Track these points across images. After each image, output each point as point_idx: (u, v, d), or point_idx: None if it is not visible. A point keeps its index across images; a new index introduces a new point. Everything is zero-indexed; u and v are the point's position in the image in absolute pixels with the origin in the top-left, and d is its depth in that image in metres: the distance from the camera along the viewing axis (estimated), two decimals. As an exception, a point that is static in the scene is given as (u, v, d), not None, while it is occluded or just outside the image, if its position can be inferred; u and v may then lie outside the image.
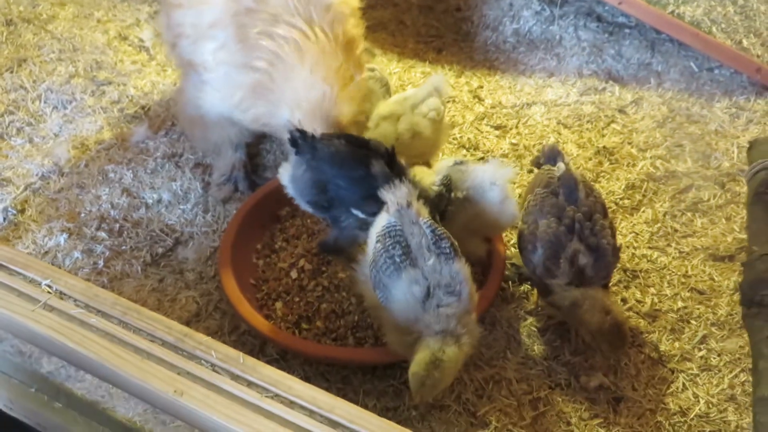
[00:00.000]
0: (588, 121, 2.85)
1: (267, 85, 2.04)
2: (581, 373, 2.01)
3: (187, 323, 2.14)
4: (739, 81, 2.99)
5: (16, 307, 1.45)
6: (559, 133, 2.81)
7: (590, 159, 2.68)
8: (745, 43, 2.99)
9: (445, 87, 2.40)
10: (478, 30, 3.34)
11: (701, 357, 2.06)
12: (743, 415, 1.92)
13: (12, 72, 3.05)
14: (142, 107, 2.91)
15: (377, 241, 1.74)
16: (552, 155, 2.18)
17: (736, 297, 2.18)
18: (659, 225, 2.44)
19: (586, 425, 1.91)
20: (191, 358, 1.39)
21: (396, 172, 1.85)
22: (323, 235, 2.20)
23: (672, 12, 2.97)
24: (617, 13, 3.28)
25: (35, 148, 2.74)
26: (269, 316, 2.09)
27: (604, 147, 2.73)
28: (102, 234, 2.41)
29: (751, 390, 1.93)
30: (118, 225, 2.45)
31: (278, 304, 2.13)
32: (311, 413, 1.31)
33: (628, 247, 2.36)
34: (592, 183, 2.21)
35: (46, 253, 2.35)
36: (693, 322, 2.15)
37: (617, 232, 2.19)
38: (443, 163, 2.07)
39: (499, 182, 1.96)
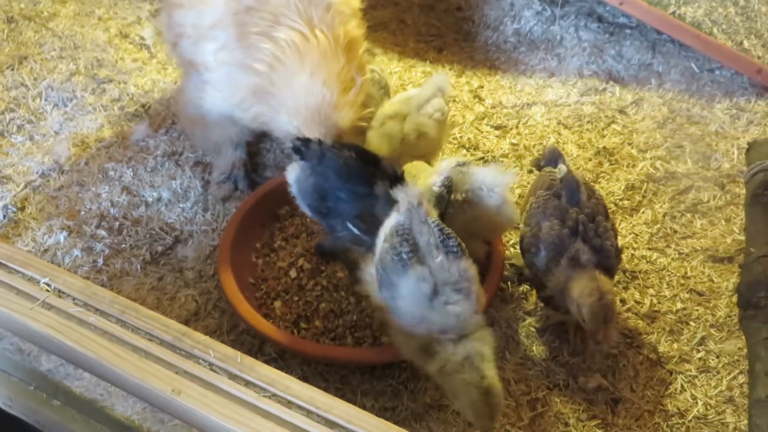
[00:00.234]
0: (588, 122, 2.85)
1: (267, 89, 2.04)
2: (580, 374, 2.02)
3: (186, 322, 2.15)
4: (740, 82, 2.99)
5: (14, 305, 1.45)
6: (560, 134, 2.80)
7: (590, 159, 2.68)
8: (746, 44, 2.99)
9: (448, 87, 2.40)
10: (479, 30, 3.34)
11: (700, 358, 2.06)
12: (741, 417, 1.92)
13: (13, 69, 3.05)
14: (143, 105, 2.91)
15: (384, 241, 1.74)
16: (553, 157, 2.18)
17: (735, 299, 2.18)
18: (659, 226, 2.44)
19: (584, 426, 1.91)
20: (189, 357, 1.39)
21: None
22: (322, 235, 2.20)
23: (673, 13, 2.97)
24: (618, 13, 3.28)
25: (35, 146, 2.74)
26: (268, 316, 2.09)
27: (604, 147, 2.73)
28: (102, 232, 2.41)
29: (748, 392, 1.93)
30: (117, 223, 2.45)
31: (277, 304, 2.13)
32: (309, 413, 1.31)
33: (627, 248, 2.36)
34: (593, 185, 2.21)
35: (46, 250, 2.35)
36: (692, 323, 2.15)
37: (618, 234, 2.19)
38: (445, 163, 2.06)
39: (498, 188, 1.96)
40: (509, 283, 2.26)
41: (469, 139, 2.78)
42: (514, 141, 2.78)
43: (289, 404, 1.32)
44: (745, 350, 2.04)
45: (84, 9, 3.43)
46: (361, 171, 1.81)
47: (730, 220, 2.45)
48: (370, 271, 1.80)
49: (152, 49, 3.21)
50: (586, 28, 3.27)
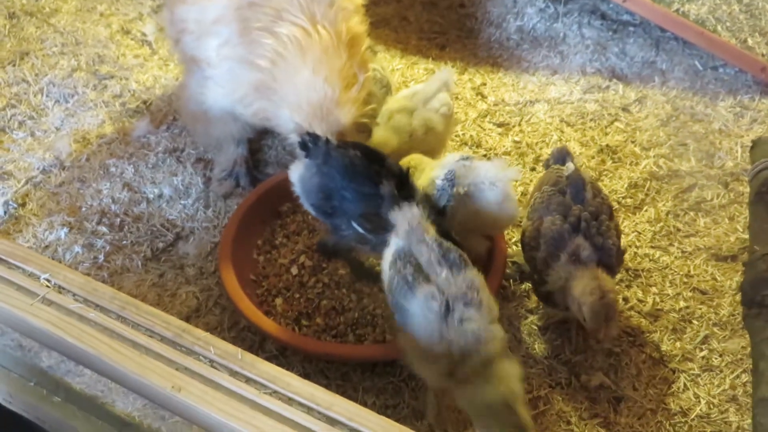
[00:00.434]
0: (591, 120, 2.84)
1: (269, 85, 2.03)
2: (582, 372, 2.01)
3: (187, 318, 2.14)
4: (744, 80, 2.98)
5: (14, 300, 1.44)
6: (562, 131, 2.79)
7: (593, 157, 2.67)
8: (750, 41, 2.98)
9: (453, 81, 2.39)
10: (482, 27, 3.33)
11: (703, 357, 2.05)
12: (744, 416, 1.91)
13: (14, 65, 3.04)
14: (144, 102, 2.91)
15: (389, 269, 1.73)
16: (561, 156, 2.18)
17: (739, 297, 2.16)
18: (662, 224, 2.43)
19: (586, 425, 1.90)
20: (189, 353, 1.38)
21: (406, 194, 1.83)
22: (324, 232, 2.19)
23: (677, 10, 2.95)
24: (622, 10, 3.27)
25: (37, 142, 2.73)
26: (269, 313, 2.09)
27: (607, 145, 2.72)
28: (103, 228, 2.41)
29: (752, 391, 1.92)
30: (118, 219, 2.44)
31: (278, 301, 2.13)
32: (309, 410, 1.30)
33: (630, 246, 2.35)
34: (599, 185, 2.19)
35: (47, 247, 2.35)
36: (695, 322, 2.14)
37: (621, 234, 2.17)
38: (449, 157, 2.06)
39: (500, 183, 1.95)
40: (511, 281, 2.25)
41: (471, 136, 2.77)
42: (516, 138, 2.77)
43: (289, 401, 1.31)
44: (749, 349, 2.03)
45: (85, 5, 3.42)
46: (366, 170, 1.80)
47: (734, 219, 2.44)
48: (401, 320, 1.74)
49: (154, 46, 3.20)
50: (590, 25, 3.26)
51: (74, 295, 1.46)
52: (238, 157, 2.53)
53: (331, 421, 1.29)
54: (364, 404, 1.81)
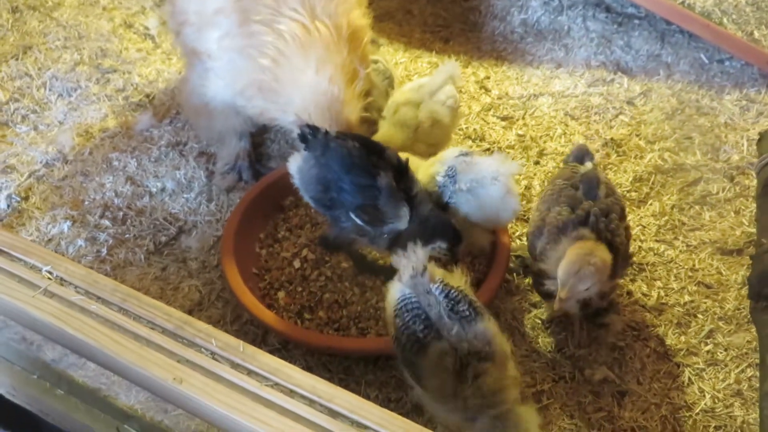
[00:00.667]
0: (596, 113, 2.82)
1: (272, 86, 2.02)
2: (585, 367, 2.00)
3: (190, 312, 2.14)
4: (750, 73, 2.95)
5: (16, 293, 1.44)
6: (567, 125, 2.78)
7: (597, 151, 2.65)
8: (756, 34, 2.95)
9: (459, 74, 2.38)
10: (486, 20, 3.31)
11: (708, 351, 2.04)
12: (750, 410, 1.90)
13: (17, 59, 3.04)
14: (147, 95, 2.90)
15: (396, 316, 1.66)
16: (580, 154, 2.13)
17: (744, 291, 2.15)
18: (667, 218, 2.41)
19: (589, 419, 1.89)
20: (191, 345, 1.37)
21: (404, 185, 1.82)
22: (326, 225, 2.19)
23: (682, 2, 2.93)
24: (626, 3, 3.24)
25: (40, 136, 2.73)
26: (272, 306, 2.08)
27: (611, 139, 2.70)
28: (105, 222, 2.41)
29: (758, 385, 1.91)
30: (121, 213, 2.44)
31: (281, 294, 2.12)
32: (311, 402, 1.29)
33: (635, 240, 2.34)
34: (615, 186, 2.14)
35: (50, 240, 2.35)
36: (700, 316, 2.13)
37: (630, 238, 2.09)
38: (449, 153, 2.05)
39: (502, 178, 1.94)
40: (515, 274, 2.24)
41: (475, 130, 2.75)
42: (520, 132, 2.75)
43: (291, 393, 1.30)
44: (754, 343, 2.01)
45: (88, -1, 3.42)
46: (363, 161, 1.79)
47: (740, 212, 2.42)
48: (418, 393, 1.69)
49: (157, 39, 3.19)
50: (594, 18, 3.23)
51: (75, 287, 1.45)
52: (240, 151, 2.52)
53: (333, 414, 1.28)
54: (367, 397, 1.79)
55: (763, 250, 2.06)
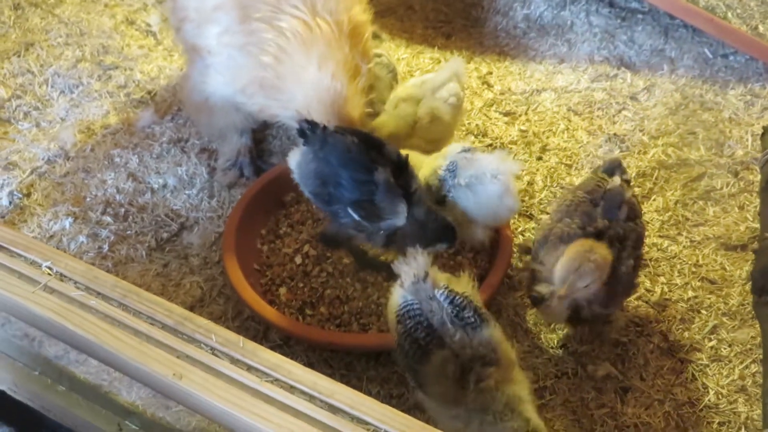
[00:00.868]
0: (599, 108, 2.81)
1: (274, 83, 2.02)
2: (588, 363, 1.99)
3: (191, 308, 2.14)
4: (755, 67, 2.93)
5: (16, 288, 1.43)
6: (569, 120, 2.76)
7: (600, 146, 2.64)
8: (761, 28, 2.93)
9: (464, 71, 2.37)
10: (488, 15, 3.29)
11: (711, 347, 2.03)
12: (753, 406, 1.88)
13: (19, 56, 3.04)
14: (149, 92, 2.90)
15: (398, 322, 1.64)
16: (611, 167, 2.01)
17: (748, 287, 2.14)
18: (670, 213, 2.40)
19: (592, 415, 1.88)
20: (191, 341, 1.37)
21: (403, 182, 1.80)
22: (327, 222, 2.18)
23: (686, -3, 2.91)
24: (630, -2, 3.23)
25: (42, 132, 2.73)
26: (273, 302, 2.08)
27: (615, 134, 2.69)
28: (107, 218, 2.40)
29: (761, 381, 1.90)
30: (123, 209, 2.44)
31: (282, 290, 2.12)
32: (311, 398, 1.29)
33: (638, 235, 2.33)
34: (641, 210, 2.01)
35: (52, 237, 2.35)
36: (703, 311, 2.12)
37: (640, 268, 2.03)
38: (452, 148, 2.04)
39: (502, 176, 1.93)
40: (517, 270, 2.23)
41: (477, 125, 2.74)
42: (523, 128, 2.74)
43: (291, 389, 1.30)
44: (758, 339, 2.00)
45: (90, -5, 3.41)
46: (361, 156, 1.78)
47: (744, 208, 2.40)
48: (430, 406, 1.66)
49: (158, 36, 3.19)
50: (597, 13, 3.22)
51: (76, 282, 1.45)
52: (241, 147, 2.52)
53: (333, 410, 1.27)
54: (369, 394, 1.79)
55: (766, 244, 2.05)
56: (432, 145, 2.20)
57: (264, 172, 2.45)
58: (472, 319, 1.58)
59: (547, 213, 2.21)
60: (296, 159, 1.90)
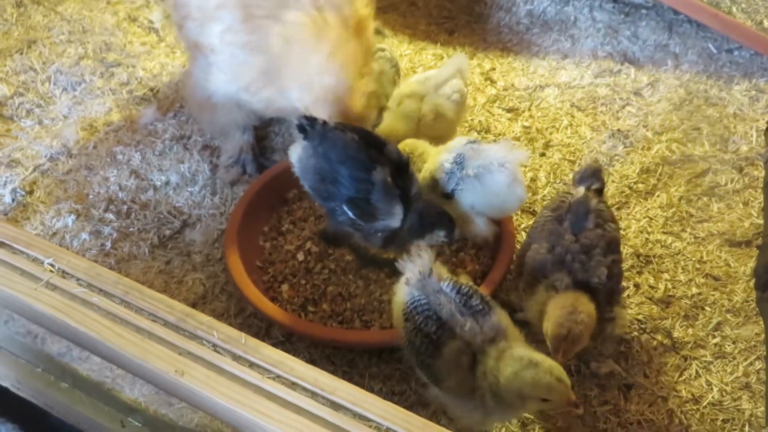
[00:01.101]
0: (602, 104, 2.79)
1: (278, 67, 2.01)
2: (592, 360, 1.98)
3: (194, 305, 2.14)
4: (759, 63, 2.91)
5: (18, 285, 1.44)
6: (573, 116, 2.75)
7: (604, 142, 2.63)
8: (765, 23, 2.91)
9: (468, 68, 2.36)
10: (491, 11, 3.28)
11: (715, 344, 2.02)
12: (758, 403, 1.88)
13: (22, 53, 3.04)
14: (151, 89, 2.90)
15: (406, 320, 1.64)
16: (584, 177, 1.96)
17: (752, 283, 2.12)
18: (674, 209, 2.39)
19: (595, 412, 1.88)
20: (193, 338, 1.37)
21: (403, 183, 1.79)
22: (328, 219, 2.18)
23: (691, -8, 2.89)
24: (634, -7, 3.21)
25: (44, 130, 2.73)
26: (275, 299, 2.08)
27: (618, 130, 2.68)
28: (110, 216, 2.41)
29: (766, 378, 1.89)
30: (125, 207, 2.44)
31: (284, 287, 2.12)
32: (313, 395, 1.29)
33: (641, 232, 2.32)
34: (612, 214, 1.96)
35: (54, 234, 2.35)
36: (707, 308, 2.11)
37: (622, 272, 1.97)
38: (456, 141, 2.03)
39: (509, 165, 1.92)
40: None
41: (480, 122, 2.73)
42: (526, 124, 2.73)
43: (293, 386, 1.30)
44: (762, 336, 1.99)
45: (93, -7, 3.41)
46: (359, 154, 1.77)
47: (748, 204, 2.39)
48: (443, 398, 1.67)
49: (161, 33, 3.19)
50: (601, 8, 3.20)
51: (78, 279, 1.46)
52: (244, 144, 2.51)
53: (335, 406, 1.27)
54: (371, 390, 1.79)
55: (771, 241, 2.04)
56: (435, 142, 2.19)
57: (266, 169, 2.45)
58: (481, 306, 1.59)
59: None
60: (297, 153, 1.90)
